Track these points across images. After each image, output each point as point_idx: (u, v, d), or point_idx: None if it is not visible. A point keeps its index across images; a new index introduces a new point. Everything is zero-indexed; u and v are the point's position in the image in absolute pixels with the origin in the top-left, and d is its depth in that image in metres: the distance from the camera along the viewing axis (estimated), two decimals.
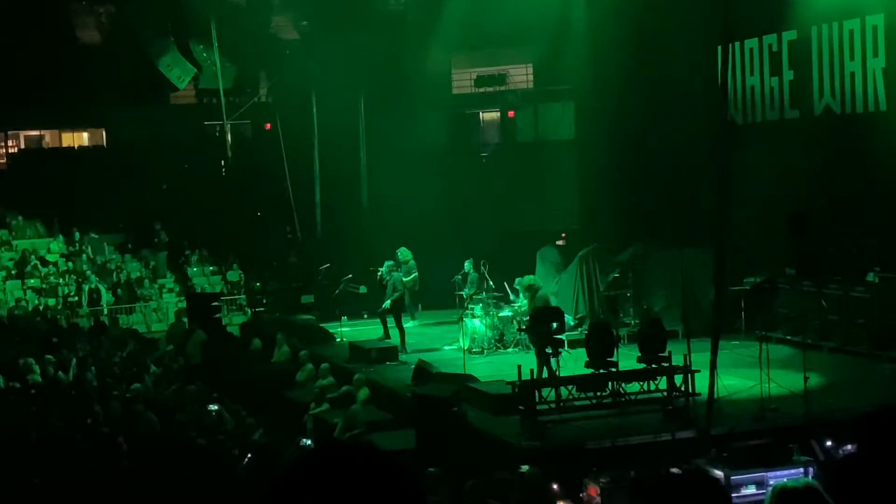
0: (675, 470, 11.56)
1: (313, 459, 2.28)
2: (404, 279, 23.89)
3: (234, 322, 28.18)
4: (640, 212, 24.32)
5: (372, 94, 31.56)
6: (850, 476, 3.55)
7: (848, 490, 3.58)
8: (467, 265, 23.12)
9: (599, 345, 15.64)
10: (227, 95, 34.96)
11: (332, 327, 24.38)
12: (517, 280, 21.02)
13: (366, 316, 25.63)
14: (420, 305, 25.64)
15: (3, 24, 33.30)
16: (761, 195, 21.74)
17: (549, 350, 15.83)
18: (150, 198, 33.32)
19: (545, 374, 17.26)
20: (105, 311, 29.33)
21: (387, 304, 22.49)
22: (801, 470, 12.69)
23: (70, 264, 31.37)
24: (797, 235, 16.67)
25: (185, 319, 25.70)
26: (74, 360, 21.09)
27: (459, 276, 23.26)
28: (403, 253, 24.50)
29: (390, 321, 22.54)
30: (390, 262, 22.97)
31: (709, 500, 3.15)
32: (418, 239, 26.03)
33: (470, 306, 21.92)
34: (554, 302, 20.73)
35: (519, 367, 15.44)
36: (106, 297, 30.02)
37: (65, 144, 39.12)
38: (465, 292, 22.76)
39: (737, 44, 23.15)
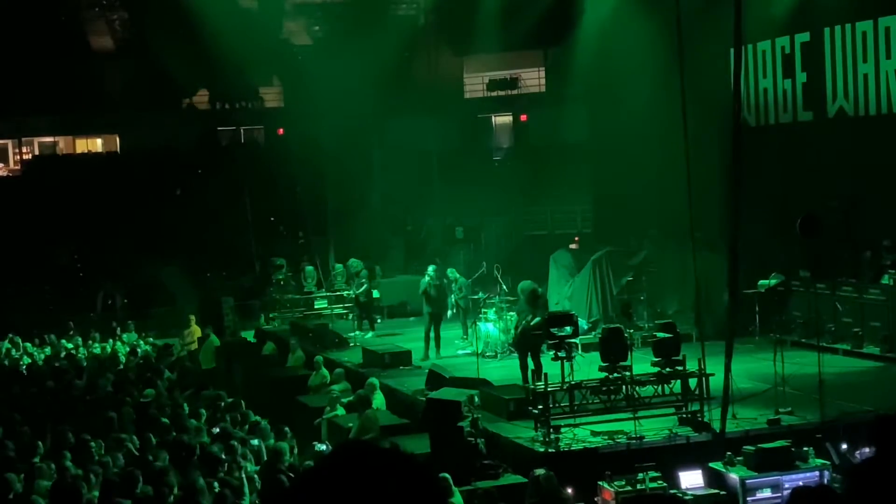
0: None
1: (337, 459, 2.29)
2: (356, 291, 23.97)
3: (247, 327, 28.23)
4: (653, 215, 24.28)
5: (384, 99, 31.62)
6: (868, 478, 3.53)
7: (866, 492, 3.57)
8: (451, 273, 22.95)
9: (613, 348, 15.60)
10: (239, 101, 35.09)
11: (345, 331, 24.42)
12: (519, 285, 20.65)
13: (379, 320, 25.68)
14: (379, 318, 25.57)
15: (16, 32, 33.45)
16: (775, 197, 21.70)
17: (562, 354, 15.79)
18: (164, 203, 33.43)
19: (530, 378, 17.25)
20: (119, 317, 29.42)
21: (426, 310, 21.71)
22: (817, 473, 12.65)
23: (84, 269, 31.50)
24: (809, 238, 16.62)
25: (199, 325, 25.76)
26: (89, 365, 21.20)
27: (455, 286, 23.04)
28: (354, 264, 24.53)
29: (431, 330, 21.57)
30: (433, 267, 22.20)
31: None
32: (431, 243, 26.09)
33: (484, 310, 21.92)
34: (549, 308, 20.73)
35: (532, 370, 15.43)
36: (120, 302, 30.11)
37: (79, 150, 39.29)
38: (451, 299, 22.65)
39: (749, 46, 23.12)
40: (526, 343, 18.34)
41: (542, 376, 15.66)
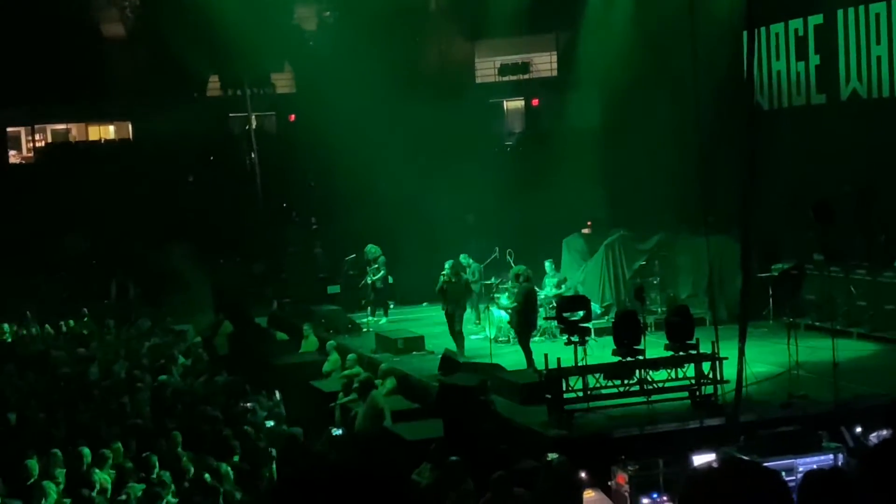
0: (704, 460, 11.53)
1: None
2: (373, 277, 23.90)
3: (261, 313, 28.25)
4: (666, 199, 24.20)
5: (395, 84, 31.56)
6: (883, 461, 3.52)
7: (880, 475, 3.55)
8: (463, 259, 22.54)
9: (626, 333, 15.58)
10: (251, 87, 35.04)
11: (358, 318, 24.45)
12: (513, 269, 20.25)
13: (392, 306, 25.69)
14: (392, 304, 25.54)
15: (28, 20, 33.49)
16: (788, 180, 21.62)
17: (575, 338, 15.78)
18: (176, 190, 33.46)
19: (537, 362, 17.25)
20: (133, 303, 29.48)
21: (447, 308, 20.62)
22: (831, 457, 12.62)
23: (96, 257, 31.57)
24: (823, 223, 16.53)
25: (213, 311, 25.81)
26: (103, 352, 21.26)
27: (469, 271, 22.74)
28: (372, 250, 24.44)
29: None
30: (451, 263, 20.83)
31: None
32: (440, 229, 26.05)
33: (495, 295, 21.90)
34: (545, 293, 20.68)
35: (546, 355, 15.43)
36: (134, 289, 30.18)
37: (91, 138, 39.37)
38: (475, 290, 22.34)
39: (762, 29, 23.01)
40: (516, 326, 18.40)
41: (532, 361, 15.66)
